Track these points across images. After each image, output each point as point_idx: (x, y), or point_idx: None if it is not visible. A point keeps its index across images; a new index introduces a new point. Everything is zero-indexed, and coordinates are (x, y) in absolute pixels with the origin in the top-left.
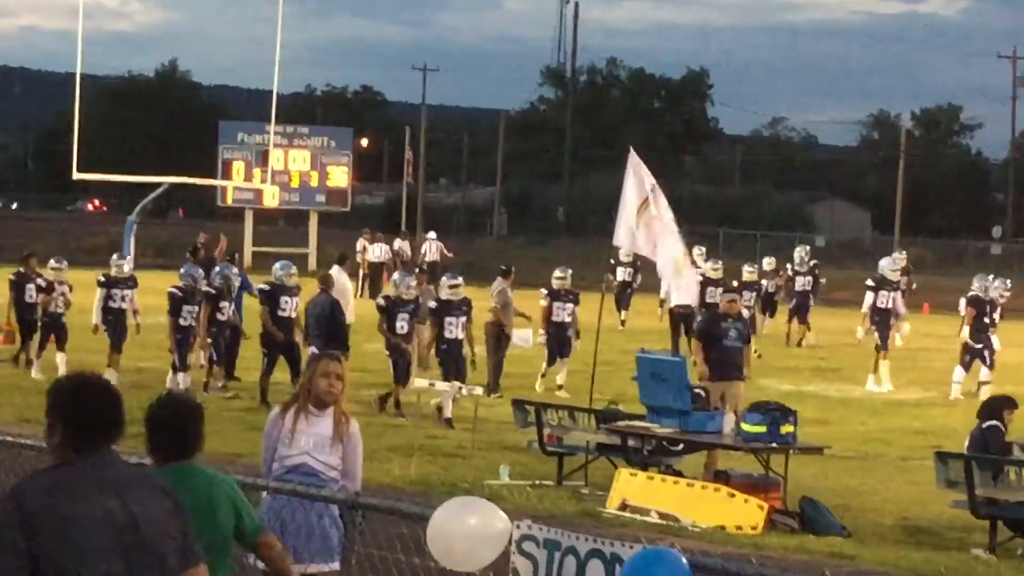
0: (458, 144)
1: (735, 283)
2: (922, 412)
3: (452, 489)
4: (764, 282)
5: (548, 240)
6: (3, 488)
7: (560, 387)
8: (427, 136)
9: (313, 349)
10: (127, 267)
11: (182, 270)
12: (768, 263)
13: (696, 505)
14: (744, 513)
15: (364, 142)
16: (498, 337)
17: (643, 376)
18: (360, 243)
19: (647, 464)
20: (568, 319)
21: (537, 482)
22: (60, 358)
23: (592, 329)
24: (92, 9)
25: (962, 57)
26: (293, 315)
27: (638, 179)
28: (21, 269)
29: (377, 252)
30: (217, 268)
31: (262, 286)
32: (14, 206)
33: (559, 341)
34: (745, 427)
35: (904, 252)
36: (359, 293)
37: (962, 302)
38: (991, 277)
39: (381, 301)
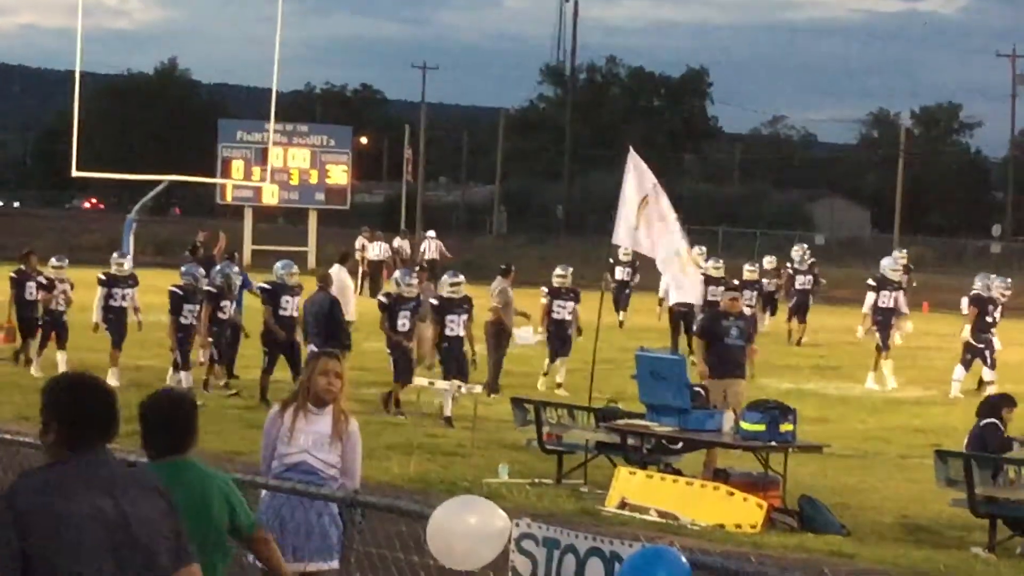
0: (457, 142)
1: (735, 282)
2: (922, 410)
3: (451, 487)
4: (765, 281)
5: (548, 238)
6: (2, 487)
7: (559, 385)
8: (426, 134)
9: (312, 347)
10: (127, 266)
11: (183, 269)
12: (769, 261)
13: (695, 503)
14: (743, 511)
15: (363, 140)
16: (498, 336)
17: (642, 374)
18: (359, 241)
19: (646, 462)
20: (569, 317)
21: (536, 480)
22: (60, 356)
23: (592, 327)
24: (91, 7)
25: (961, 55)
26: (295, 314)
27: (639, 177)
28: (22, 267)
29: (376, 250)
30: (218, 267)
31: (263, 285)
32: (16, 204)
33: (560, 339)
34: (744, 425)
35: (904, 251)
36: (358, 291)
37: (964, 301)
38: (993, 276)
39: (383, 299)
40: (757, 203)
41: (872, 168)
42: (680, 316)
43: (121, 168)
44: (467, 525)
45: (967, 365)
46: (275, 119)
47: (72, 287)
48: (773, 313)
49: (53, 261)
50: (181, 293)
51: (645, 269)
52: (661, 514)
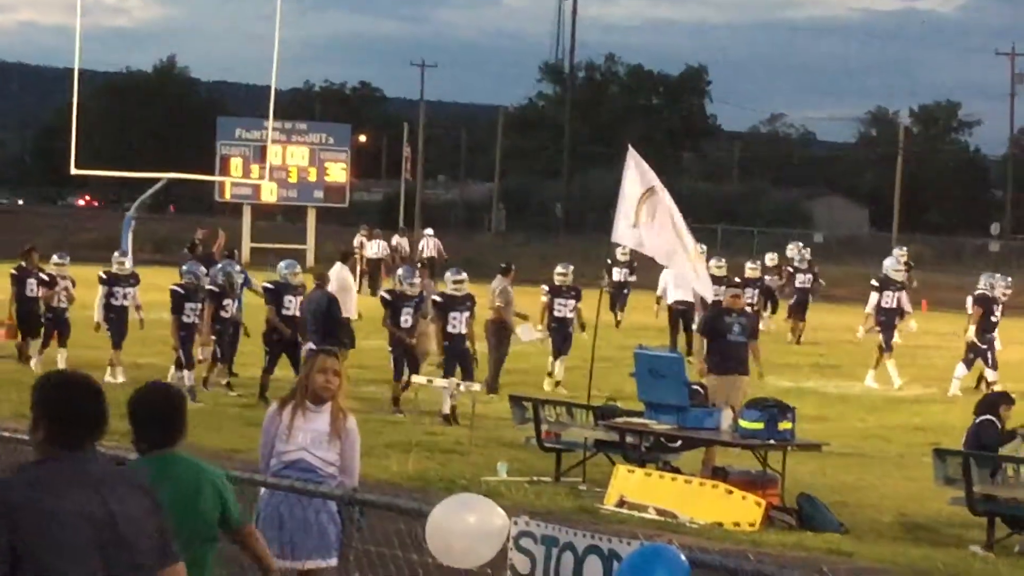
0: (456, 140)
1: (737, 279)
2: (921, 409)
3: (450, 485)
4: (767, 277)
5: (547, 236)
6: None
7: (557, 383)
8: (425, 132)
9: (310, 345)
10: (128, 264)
11: (184, 267)
12: (771, 259)
13: (694, 501)
14: (742, 510)
15: (362, 138)
16: (499, 335)
17: (641, 372)
18: (358, 239)
19: (645, 460)
20: (570, 315)
21: (535, 478)
22: (61, 354)
23: (591, 325)
24: (90, 5)
25: (960, 54)
26: (297, 313)
27: (640, 174)
28: (22, 263)
29: (375, 248)
30: (219, 265)
31: (267, 284)
32: (20, 202)
33: (561, 337)
34: (743, 424)
35: (904, 248)
36: (356, 289)
37: (968, 300)
38: (997, 276)
39: (386, 295)
40: (756, 201)
41: (871, 166)
42: (679, 314)
43: (120, 166)
44: (466, 523)
45: (969, 364)
46: (274, 117)
47: (74, 284)
48: (774, 311)
49: (55, 258)
50: (183, 292)
51: (643, 268)
52: (660, 512)
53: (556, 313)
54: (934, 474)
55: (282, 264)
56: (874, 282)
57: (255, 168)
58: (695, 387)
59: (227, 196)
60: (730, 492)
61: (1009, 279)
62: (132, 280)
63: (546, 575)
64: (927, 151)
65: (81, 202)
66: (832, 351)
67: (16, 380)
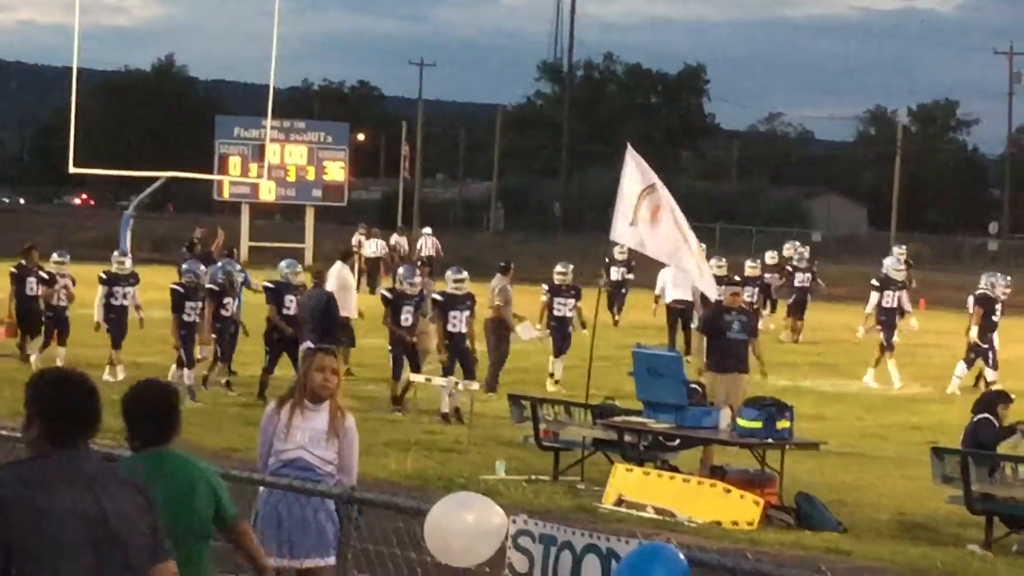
0: (455, 139)
1: (736, 277)
2: (919, 408)
3: (448, 484)
4: (767, 276)
5: (545, 235)
6: None
7: (556, 382)
8: (424, 131)
9: (308, 344)
10: (128, 264)
11: (184, 266)
12: (771, 257)
13: (692, 500)
14: (740, 508)
15: (361, 137)
16: (499, 334)
17: (639, 371)
18: (356, 238)
19: (643, 459)
20: (570, 314)
21: (533, 477)
22: (60, 353)
23: (590, 324)
24: (89, 4)
25: (959, 53)
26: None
27: (640, 172)
28: (22, 262)
29: (373, 247)
30: (219, 264)
31: (267, 283)
32: (22, 201)
33: (561, 335)
34: (741, 423)
35: (904, 247)
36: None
37: (970, 300)
38: (998, 275)
39: (387, 294)
40: (754, 200)
41: (869, 165)
42: (677, 313)
43: (118, 164)
44: (464, 522)
45: (970, 363)
46: (272, 116)
47: (73, 283)
48: (773, 309)
49: (55, 257)
50: (183, 291)
51: (641, 267)
52: (658, 511)
53: (556, 312)
54: (932, 473)
55: (283, 264)
56: (874, 282)
57: (253, 167)
58: (693, 386)
59: (226, 195)
60: (728, 491)
61: (1008, 278)
62: (132, 280)
63: (544, 574)
64: (926, 150)
65: (77, 201)
66: (830, 350)
67: (12, 379)
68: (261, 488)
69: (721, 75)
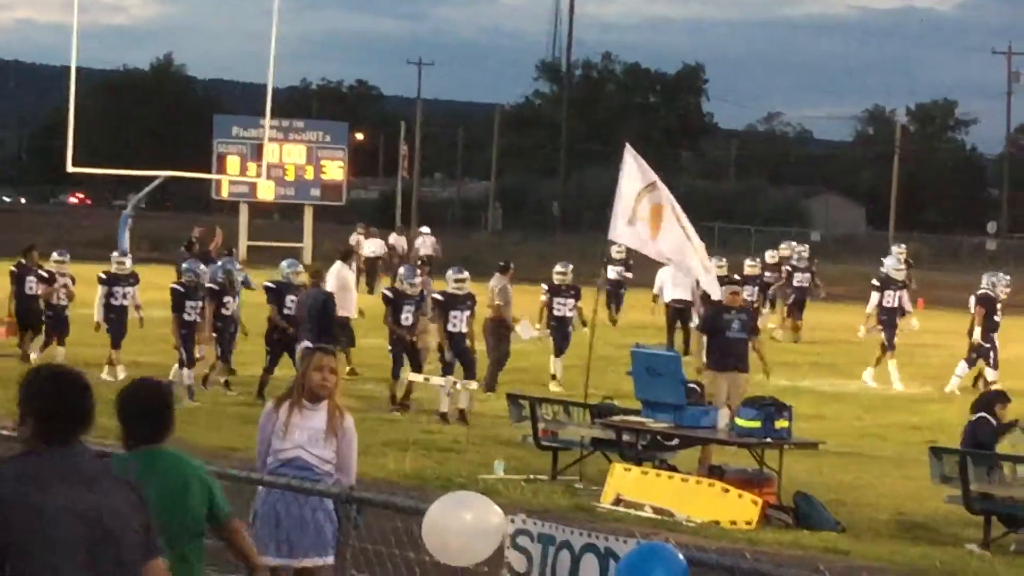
0: (453, 138)
1: (736, 276)
2: (918, 407)
3: (447, 483)
4: (767, 274)
5: (543, 235)
6: None
7: (559, 384)
8: (422, 130)
9: (306, 343)
10: (128, 264)
11: (184, 265)
12: (771, 256)
13: (690, 500)
14: (738, 508)
15: (359, 136)
16: (498, 333)
17: (638, 371)
18: (354, 237)
19: (641, 459)
20: (570, 314)
21: (532, 477)
22: (59, 352)
23: (589, 324)
24: (87, 3)
25: (958, 53)
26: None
27: (640, 171)
28: (22, 261)
29: (372, 247)
30: (219, 263)
31: (268, 283)
32: (23, 200)
33: (561, 335)
34: (740, 422)
35: (903, 246)
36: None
37: (971, 300)
38: (1000, 274)
39: (388, 293)
40: (753, 199)
41: (868, 165)
42: (676, 312)
43: (117, 164)
44: (462, 521)
45: (971, 363)
46: (271, 115)
47: (73, 281)
48: (773, 307)
49: (55, 256)
50: (183, 290)
51: (639, 266)
52: (656, 510)
53: (556, 312)
54: (931, 473)
55: (284, 263)
56: (875, 281)
57: (252, 166)
58: (692, 385)
59: (224, 194)
60: (727, 490)
61: (1008, 277)
62: (132, 280)
63: (542, 573)
64: (924, 150)
65: (73, 200)
66: (829, 350)
67: (10, 378)
68: (260, 487)
69: (720, 75)
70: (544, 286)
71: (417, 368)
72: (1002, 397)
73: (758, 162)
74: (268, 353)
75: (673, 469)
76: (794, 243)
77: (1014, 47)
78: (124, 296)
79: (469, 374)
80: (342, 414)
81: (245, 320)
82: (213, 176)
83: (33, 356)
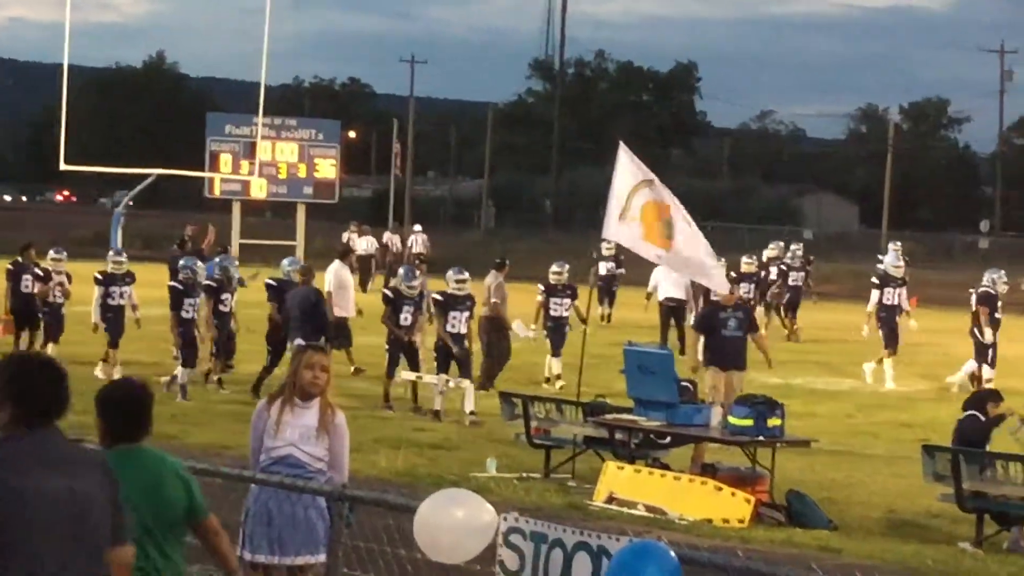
0: (446, 136)
1: (733, 274)
2: (910, 405)
3: (439, 481)
4: (764, 272)
5: (536, 233)
6: None
7: (547, 380)
8: (415, 128)
9: (299, 341)
10: (124, 262)
11: (182, 262)
12: (769, 252)
13: (683, 498)
14: (731, 506)
15: (352, 134)
16: (495, 332)
17: (630, 369)
18: (347, 236)
19: (634, 457)
20: (566, 314)
21: (524, 475)
22: (52, 350)
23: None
24: (79, 0)
25: (950, 51)
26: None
27: (636, 167)
28: (19, 258)
29: (364, 245)
30: (216, 259)
31: (269, 281)
32: (24, 199)
33: (558, 335)
34: (732, 420)
35: (899, 244)
36: None
37: (972, 298)
38: (1002, 272)
39: (388, 293)
40: (746, 198)
41: (861, 163)
42: (670, 310)
43: (109, 161)
44: (454, 519)
45: (990, 362)
46: (263, 113)
47: (69, 279)
48: (768, 310)
49: (52, 253)
50: (181, 288)
51: (632, 263)
52: (649, 509)
53: (552, 312)
54: (923, 471)
55: (285, 262)
56: (874, 279)
57: (244, 164)
58: (685, 383)
59: (216, 192)
60: (719, 489)
61: (1003, 273)
62: (128, 279)
63: (535, 571)
64: (917, 148)
65: (59, 197)
66: (821, 348)
67: None
68: (252, 485)
69: (712, 73)
70: (540, 286)
71: (414, 368)
72: (995, 396)
73: (751, 160)
74: (269, 352)
75: (666, 467)
76: (781, 243)
77: (1007, 45)
78: (121, 296)
79: (464, 373)
80: (334, 411)
81: (241, 318)
82: (206, 174)
83: None
